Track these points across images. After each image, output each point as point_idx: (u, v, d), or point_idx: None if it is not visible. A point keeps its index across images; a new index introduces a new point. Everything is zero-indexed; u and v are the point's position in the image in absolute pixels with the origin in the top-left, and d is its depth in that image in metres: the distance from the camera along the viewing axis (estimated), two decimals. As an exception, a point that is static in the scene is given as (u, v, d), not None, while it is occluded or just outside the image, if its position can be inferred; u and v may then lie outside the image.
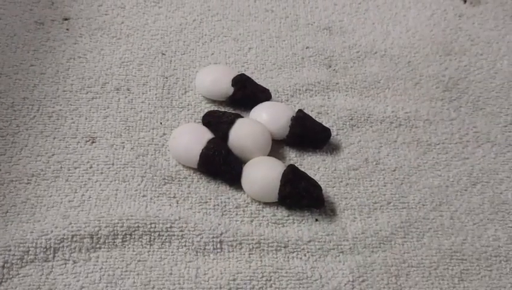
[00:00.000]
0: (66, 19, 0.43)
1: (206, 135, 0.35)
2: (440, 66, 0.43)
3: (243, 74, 0.38)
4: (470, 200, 0.35)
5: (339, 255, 0.32)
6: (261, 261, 0.31)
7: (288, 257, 0.32)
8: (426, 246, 0.33)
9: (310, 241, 0.32)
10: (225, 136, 0.35)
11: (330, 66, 0.42)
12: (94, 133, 0.36)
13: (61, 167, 0.34)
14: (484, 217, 0.35)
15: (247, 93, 0.38)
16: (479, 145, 0.38)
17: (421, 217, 0.34)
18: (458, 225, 0.34)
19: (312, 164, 0.36)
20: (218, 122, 0.36)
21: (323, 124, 0.37)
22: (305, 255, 0.32)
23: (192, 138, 0.35)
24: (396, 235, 0.33)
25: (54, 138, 0.36)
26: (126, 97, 0.39)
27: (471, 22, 0.47)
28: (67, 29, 0.42)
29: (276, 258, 0.32)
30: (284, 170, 0.33)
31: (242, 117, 0.36)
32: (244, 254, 0.32)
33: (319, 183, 0.34)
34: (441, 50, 0.45)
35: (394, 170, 0.36)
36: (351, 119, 0.39)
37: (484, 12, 0.48)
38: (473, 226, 0.34)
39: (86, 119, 0.37)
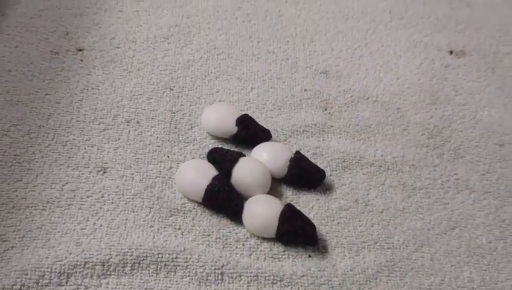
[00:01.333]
0: (80, 50, 0.46)
1: (211, 171, 0.38)
2: (426, 114, 0.47)
3: (246, 115, 0.41)
4: (449, 243, 0.39)
5: (329, 290, 0.35)
6: (258, 293, 0.34)
7: (283, 290, 0.35)
8: (408, 285, 0.36)
9: (303, 276, 0.35)
10: (228, 173, 0.38)
11: (326, 109, 0.46)
12: (105, 163, 0.39)
13: (74, 195, 0.37)
14: (461, 260, 0.38)
15: (249, 133, 0.41)
16: (458, 192, 0.42)
17: (405, 257, 0.38)
18: (437, 266, 0.37)
19: (307, 203, 0.39)
20: (222, 160, 0.39)
21: (318, 164, 0.41)
22: (298, 289, 0.35)
23: (198, 173, 0.37)
24: (382, 274, 0.36)
25: (68, 167, 0.38)
26: (136, 130, 0.41)
27: (456, 72, 0.51)
28: (81, 60, 0.45)
29: (272, 290, 0.34)
30: (282, 209, 0.36)
31: (244, 156, 0.39)
32: (243, 286, 0.34)
33: (313, 221, 0.37)
34: (427, 98, 0.48)
35: (381, 212, 0.40)
36: (344, 161, 0.42)
37: (468, 64, 0.52)
38: (451, 267, 0.38)
39: (98, 149, 0.40)
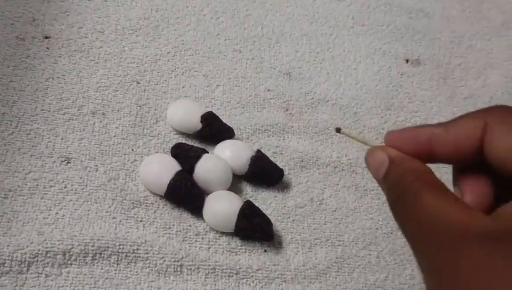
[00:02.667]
0: (46, 37, 0.46)
1: (175, 167, 0.39)
2: (381, 119, 0.50)
3: (211, 112, 0.43)
4: (394, 242, 0.42)
5: (282, 284, 0.37)
6: (215, 285, 0.36)
7: (238, 283, 0.36)
8: (355, 280, 0.39)
9: (258, 269, 0.37)
10: (191, 169, 0.39)
11: (287, 110, 0.48)
12: (69, 153, 0.39)
13: (37, 185, 0.37)
14: (404, 258, 0.41)
15: (213, 131, 0.42)
16: (406, 194, 0.45)
17: (353, 254, 0.40)
18: (382, 263, 0.40)
19: (265, 199, 0.41)
20: (186, 156, 0.40)
21: (278, 163, 0.43)
22: (253, 282, 0.37)
23: (162, 168, 0.39)
24: (331, 269, 0.39)
25: (31, 156, 0.38)
26: (101, 121, 0.42)
27: (410, 80, 0.54)
28: (47, 48, 0.45)
29: (228, 283, 0.36)
30: (242, 206, 0.38)
31: (207, 152, 0.41)
32: (200, 278, 0.36)
33: (270, 217, 0.39)
34: (383, 104, 0.51)
35: (334, 211, 0.42)
36: (302, 161, 0.44)
37: (422, 73, 0.56)
38: (395, 265, 0.41)
39: (62, 139, 0.40)
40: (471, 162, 0.25)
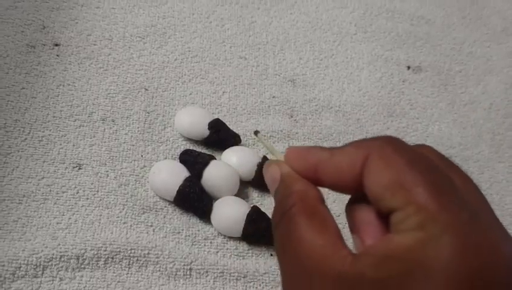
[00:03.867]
0: (56, 45, 0.47)
1: (183, 173, 0.40)
2: (383, 125, 0.51)
3: (218, 119, 0.44)
4: (397, 247, 0.43)
5: (288, 287, 0.38)
6: (223, 288, 0.37)
7: (246, 286, 0.38)
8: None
9: (265, 273, 0.38)
10: (199, 175, 0.40)
11: (292, 116, 0.49)
12: (81, 160, 0.40)
13: (50, 190, 0.38)
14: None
15: (220, 137, 0.43)
16: (408, 199, 0.46)
17: (357, 258, 0.41)
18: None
19: (271, 205, 0.42)
20: (194, 162, 0.41)
21: (283, 169, 0.44)
22: (260, 285, 0.38)
23: (171, 174, 0.40)
24: (336, 273, 0.40)
25: (44, 162, 0.39)
26: (111, 128, 0.43)
27: (412, 87, 0.55)
28: (57, 55, 0.46)
29: (236, 286, 0.37)
30: (249, 211, 0.39)
31: (215, 159, 0.42)
32: (209, 281, 0.37)
33: (276, 222, 0.40)
34: (385, 111, 0.52)
35: (339, 216, 0.43)
36: (306, 167, 0.45)
37: (424, 80, 0.57)
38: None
39: (74, 146, 0.41)
40: (356, 193, 0.23)
